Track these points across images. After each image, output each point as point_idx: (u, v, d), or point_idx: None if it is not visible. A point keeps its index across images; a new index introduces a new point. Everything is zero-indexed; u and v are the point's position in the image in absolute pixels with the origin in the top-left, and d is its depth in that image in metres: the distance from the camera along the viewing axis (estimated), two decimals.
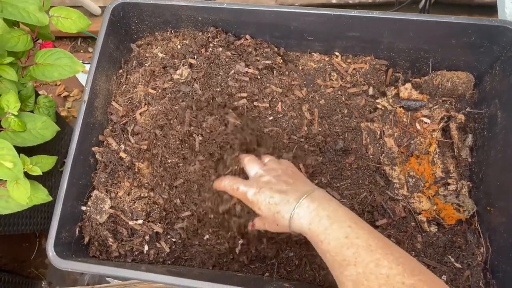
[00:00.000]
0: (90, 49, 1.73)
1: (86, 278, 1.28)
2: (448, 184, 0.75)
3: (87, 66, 1.68)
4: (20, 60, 0.95)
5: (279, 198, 0.56)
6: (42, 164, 0.90)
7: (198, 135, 0.71)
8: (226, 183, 0.62)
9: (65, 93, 1.66)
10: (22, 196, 0.81)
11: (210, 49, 0.76)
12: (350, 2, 1.54)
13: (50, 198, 0.90)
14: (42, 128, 0.90)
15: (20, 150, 0.78)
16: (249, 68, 0.75)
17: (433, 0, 1.28)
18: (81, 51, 1.73)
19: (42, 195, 0.89)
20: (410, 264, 0.49)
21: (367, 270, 0.49)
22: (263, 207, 0.57)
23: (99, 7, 1.66)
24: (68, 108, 1.65)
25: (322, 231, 0.52)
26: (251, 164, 0.63)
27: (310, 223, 0.53)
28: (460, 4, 1.48)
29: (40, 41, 0.98)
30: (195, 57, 0.75)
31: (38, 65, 0.90)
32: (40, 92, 1.05)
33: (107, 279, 1.22)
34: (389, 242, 0.52)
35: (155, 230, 0.71)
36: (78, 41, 1.75)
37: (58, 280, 1.36)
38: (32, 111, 1.00)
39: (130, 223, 0.70)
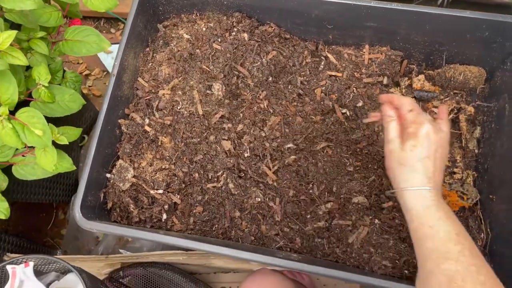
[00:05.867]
0: (113, 30, 1.77)
1: (100, 249, 1.33)
2: (454, 173, 0.79)
3: (110, 47, 1.72)
4: (51, 35, 1.00)
5: (427, 167, 0.58)
6: (68, 134, 0.94)
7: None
8: (408, 102, 0.61)
9: (87, 72, 1.71)
10: (49, 163, 0.87)
11: (234, 33, 0.80)
12: None
13: (74, 168, 0.95)
14: (70, 101, 0.95)
15: (47, 120, 0.83)
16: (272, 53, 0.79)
17: None
18: (104, 31, 1.77)
19: (66, 164, 0.94)
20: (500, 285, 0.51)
21: (466, 271, 0.50)
22: (415, 151, 0.58)
23: None
24: (89, 86, 1.70)
25: (435, 219, 0.55)
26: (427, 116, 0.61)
27: (429, 207, 0.56)
28: (477, 2, 1.49)
29: (68, 18, 1.02)
30: (219, 40, 0.79)
31: (68, 41, 0.95)
32: None
33: (120, 250, 1.27)
34: (483, 258, 0.54)
35: (173, 201, 0.76)
36: (101, 22, 1.79)
37: (73, 250, 1.42)
38: (59, 85, 1.05)
39: (151, 192, 0.75)
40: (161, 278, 1.12)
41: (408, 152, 0.59)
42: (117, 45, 1.78)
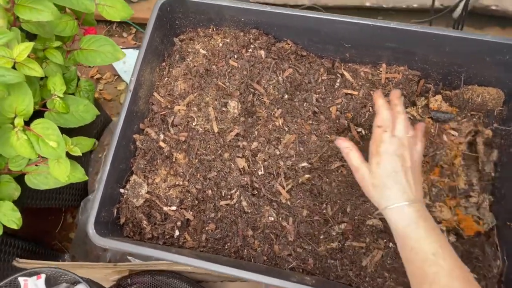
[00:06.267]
0: (125, 34, 1.77)
1: (108, 255, 1.33)
2: (470, 196, 0.78)
3: None
4: (66, 44, 1.00)
5: (400, 181, 0.58)
6: (81, 145, 0.95)
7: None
8: (379, 118, 0.64)
9: (98, 75, 1.72)
10: (62, 174, 0.87)
11: (251, 50, 0.79)
12: (384, 6, 1.56)
13: (86, 178, 0.95)
14: (84, 111, 0.95)
15: (60, 130, 0.83)
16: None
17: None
18: (116, 35, 1.78)
19: (79, 174, 0.95)
20: None
21: None
22: (381, 168, 0.59)
23: None
24: (100, 90, 1.70)
25: (414, 240, 0.55)
26: (403, 123, 0.63)
27: (408, 225, 0.56)
28: (494, 15, 1.48)
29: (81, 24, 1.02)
30: (236, 57, 0.79)
31: (82, 50, 0.95)
32: None
33: (128, 257, 1.28)
34: (471, 276, 0.53)
35: (186, 217, 0.76)
36: (113, 26, 1.79)
37: (81, 254, 1.42)
38: (73, 94, 1.06)
39: (164, 208, 0.75)
40: (168, 287, 1.13)
41: (376, 171, 0.60)
42: (129, 50, 1.78)
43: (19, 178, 0.94)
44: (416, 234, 0.55)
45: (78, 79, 1.07)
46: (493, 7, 1.44)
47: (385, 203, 0.58)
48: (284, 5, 1.63)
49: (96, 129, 1.43)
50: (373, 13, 1.61)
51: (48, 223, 1.55)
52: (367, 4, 1.56)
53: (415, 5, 1.53)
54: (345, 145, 0.66)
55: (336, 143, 0.68)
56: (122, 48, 1.62)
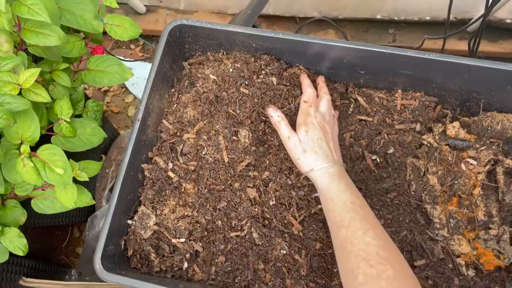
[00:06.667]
0: (132, 46, 1.76)
1: None
2: (490, 228, 0.75)
3: (129, 64, 1.71)
4: (73, 65, 0.98)
5: (325, 147, 0.68)
6: (89, 169, 0.93)
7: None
8: (305, 95, 0.74)
9: (105, 88, 1.71)
10: (69, 200, 0.85)
11: (262, 76, 0.77)
12: (395, 18, 1.53)
13: (93, 202, 0.94)
14: (91, 134, 0.94)
15: (67, 153, 0.81)
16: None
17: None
18: (123, 47, 1.76)
19: (86, 199, 0.93)
20: (390, 244, 0.57)
21: (354, 235, 0.57)
22: (309, 136, 0.68)
23: (144, 5, 1.69)
24: (108, 102, 1.69)
25: (336, 191, 0.63)
26: (327, 103, 0.74)
27: (332, 181, 0.64)
28: (509, 28, 1.45)
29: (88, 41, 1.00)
30: (247, 83, 0.76)
31: (90, 71, 0.93)
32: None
33: None
34: (380, 225, 0.60)
35: (195, 249, 0.73)
36: None
37: (88, 272, 1.41)
38: (80, 115, 1.04)
39: (173, 240, 0.72)
40: None
41: (305, 138, 0.69)
42: (137, 62, 1.76)
43: (25, 201, 0.93)
44: (338, 188, 0.63)
45: (86, 99, 1.06)
46: (508, 21, 1.41)
47: (314, 164, 0.67)
48: (293, 18, 1.61)
49: (103, 143, 1.41)
50: (384, 25, 1.58)
51: (55, 238, 1.53)
52: (378, 16, 1.53)
53: (427, 18, 1.50)
54: (277, 114, 0.73)
55: (267, 111, 0.75)
56: (129, 61, 1.61)
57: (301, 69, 0.79)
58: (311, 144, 0.68)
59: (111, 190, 1.37)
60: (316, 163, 0.67)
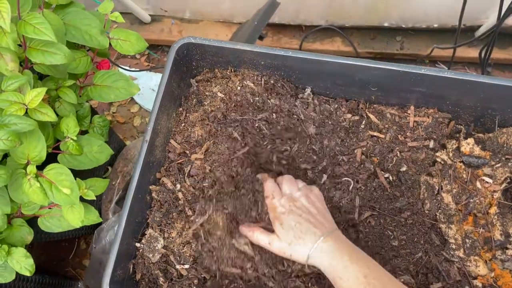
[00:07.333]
0: (138, 56, 1.75)
1: None
2: (507, 248, 0.73)
3: (134, 74, 1.70)
4: (79, 80, 0.97)
5: (306, 227, 0.61)
6: (96, 187, 0.92)
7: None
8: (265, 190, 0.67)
9: None
10: (76, 219, 0.84)
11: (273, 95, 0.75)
12: (403, 26, 1.51)
13: (100, 220, 0.92)
14: (98, 152, 0.92)
15: (73, 171, 0.80)
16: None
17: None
18: (128, 57, 1.75)
19: (93, 217, 0.92)
20: None
21: None
22: (285, 227, 0.62)
23: (149, 15, 1.68)
24: (113, 113, 1.68)
25: (342, 268, 0.57)
26: (287, 182, 0.67)
27: (333, 258, 0.58)
28: None
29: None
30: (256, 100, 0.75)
31: (96, 86, 0.92)
32: None
33: None
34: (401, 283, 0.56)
35: (203, 275, 0.72)
36: None
37: (95, 285, 1.39)
38: (87, 131, 1.03)
39: (177, 266, 0.71)
40: None
41: (283, 232, 0.62)
42: (142, 72, 1.75)
43: (32, 219, 0.92)
44: (342, 264, 0.57)
45: (93, 112, 1.05)
46: None
47: (307, 250, 0.60)
48: (299, 26, 1.59)
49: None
50: (391, 33, 1.56)
51: (61, 250, 1.53)
52: (386, 24, 1.51)
53: (435, 25, 1.48)
54: (248, 230, 0.66)
55: (240, 230, 0.68)
56: (135, 71, 1.60)
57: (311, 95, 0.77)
58: (291, 233, 0.61)
59: (117, 202, 1.36)
60: (306, 248, 0.60)
